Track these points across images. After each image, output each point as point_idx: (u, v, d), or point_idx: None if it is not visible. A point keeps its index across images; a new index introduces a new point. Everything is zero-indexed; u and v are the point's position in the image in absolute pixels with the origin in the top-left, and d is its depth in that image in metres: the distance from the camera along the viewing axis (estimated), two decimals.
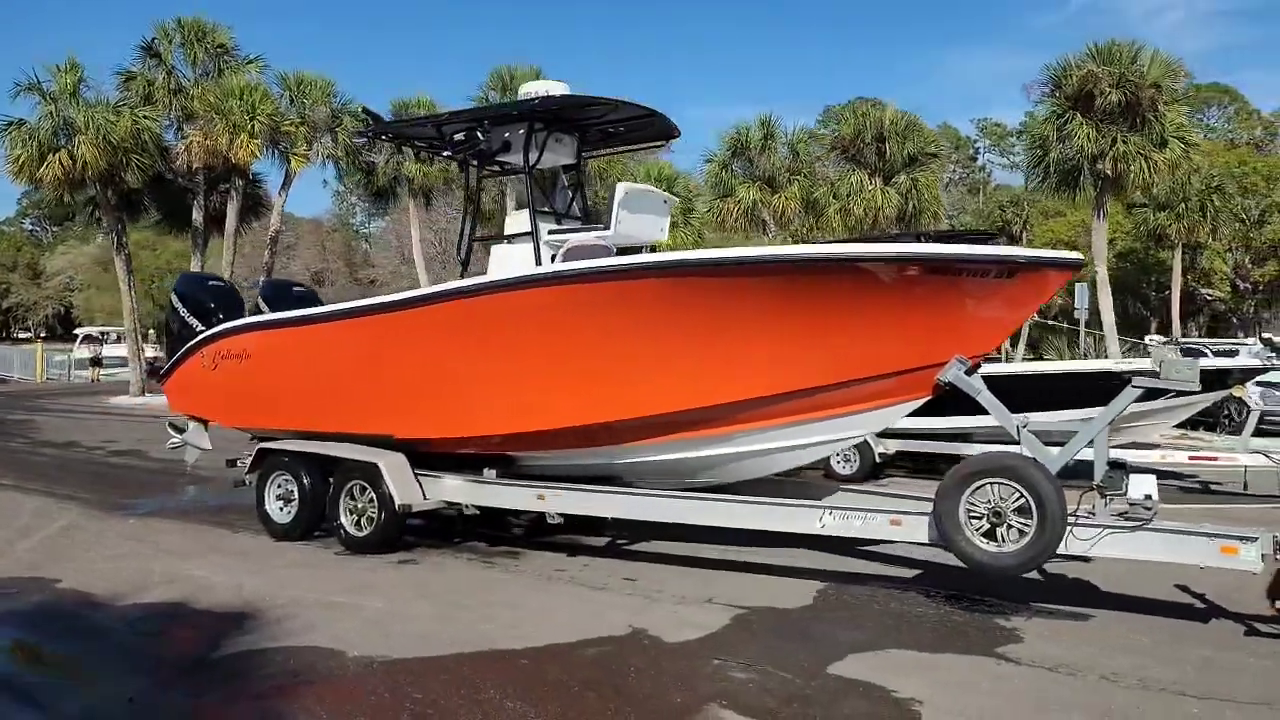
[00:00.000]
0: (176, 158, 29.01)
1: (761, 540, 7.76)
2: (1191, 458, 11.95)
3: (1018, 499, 6.09)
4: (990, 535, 6.20)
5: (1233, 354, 17.56)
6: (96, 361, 49.31)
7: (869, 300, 6.51)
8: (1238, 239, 41.08)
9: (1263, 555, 5.76)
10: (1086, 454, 6.42)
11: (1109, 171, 21.41)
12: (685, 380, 7.11)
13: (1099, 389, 8.79)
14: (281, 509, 8.88)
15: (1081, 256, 6.58)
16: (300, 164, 29.83)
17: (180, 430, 10.81)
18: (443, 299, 7.85)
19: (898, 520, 6.69)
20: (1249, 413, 12.12)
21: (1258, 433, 12.28)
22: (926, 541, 6.63)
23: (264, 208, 34.79)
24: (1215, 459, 11.92)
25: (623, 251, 8.29)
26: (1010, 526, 6.13)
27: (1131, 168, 21.15)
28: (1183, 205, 34.01)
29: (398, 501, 8.04)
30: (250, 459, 9.25)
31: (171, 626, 6.24)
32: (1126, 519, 6.18)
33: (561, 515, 7.90)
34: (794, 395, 6.98)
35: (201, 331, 9.96)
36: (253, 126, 27.36)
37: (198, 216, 31.64)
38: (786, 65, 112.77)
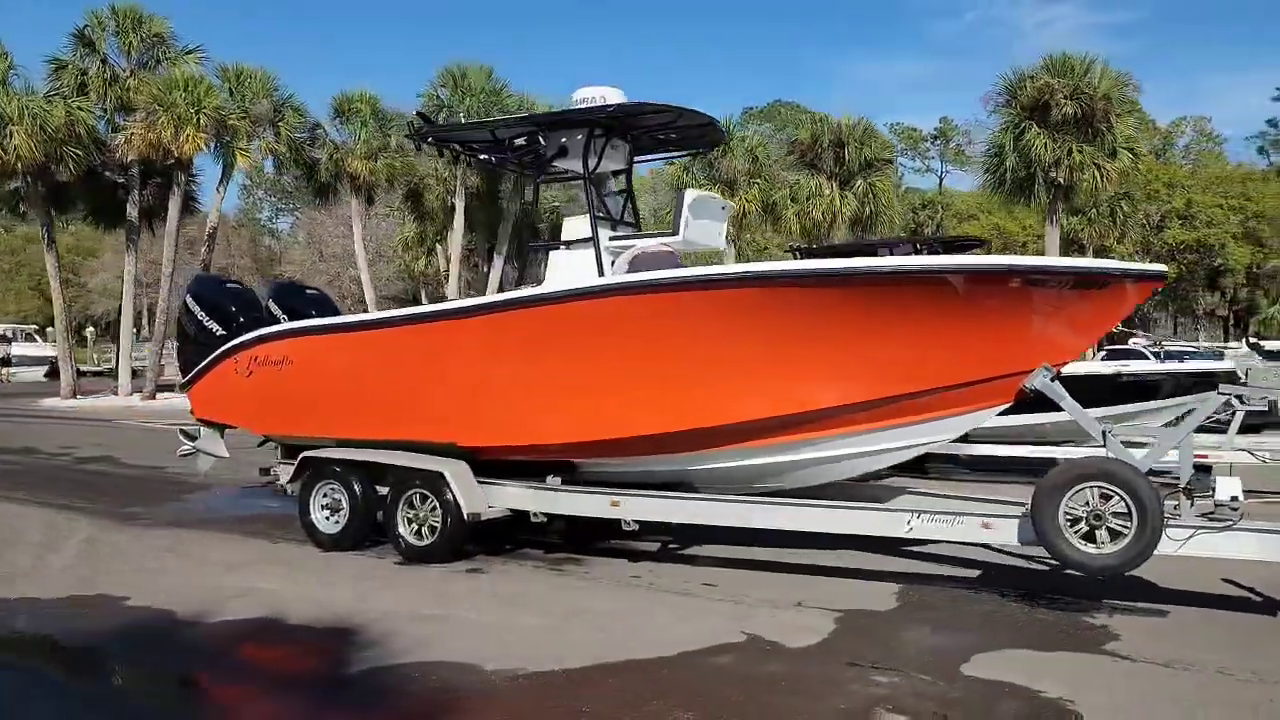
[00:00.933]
0: (116, 149, 27.87)
1: (792, 541, 7.94)
2: None
3: (1118, 502, 6.31)
4: (1088, 538, 6.41)
5: (1219, 356, 18.38)
6: (5, 361, 47.07)
7: (965, 310, 6.66)
8: (1139, 243, 43.15)
9: None
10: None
11: (1063, 180, 22.23)
12: (777, 387, 7.16)
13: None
14: (328, 519, 8.65)
15: (1166, 269, 6.85)
16: (245, 160, 28.96)
17: (192, 438, 10.46)
18: (522, 305, 7.74)
19: (989, 524, 6.86)
20: (1235, 412, 12.69)
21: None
22: (1017, 544, 6.82)
23: (194, 202, 33.65)
24: (1206, 456, 12.47)
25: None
26: (1108, 529, 6.34)
27: (1084, 176, 21.99)
28: (1094, 211, 35.39)
29: (466, 510, 7.91)
30: (292, 468, 9.02)
31: (280, 643, 6.03)
32: (1212, 519, 6.46)
33: (637, 522, 7.84)
34: (884, 402, 7.09)
35: (224, 336, 9.66)
36: (199, 120, 26.44)
37: (132, 211, 30.47)
38: (699, 65, 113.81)
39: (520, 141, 8.42)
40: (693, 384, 7.34)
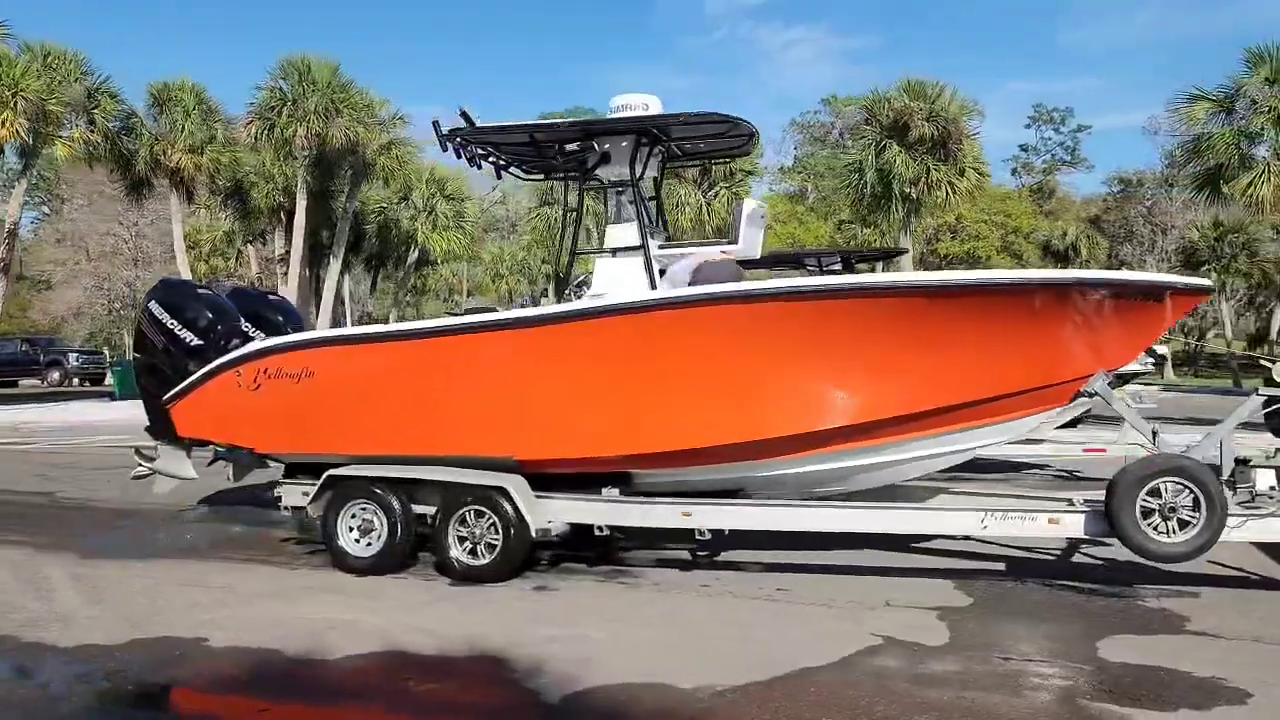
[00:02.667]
0: None
1: (796, 543, 8.31)
2: (1086, 449, 13.71)
3: (1187, 495, 6.93)
4: (1159, 529, 7.00)
5: None
6: None
7: (1039, 319, 7.12)
8: (915, 257, 47.31)
9: None
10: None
11: (918, 196, 23.87)
12: (853, 395, 7.38)
13: None
14: (357, 541, 8.09)
15: (1211, 283, 7.60)
16: (68, 150, 26.25)
17: (149, 459, 9.52)
18: (593, 316, 7.55)
19: (1055, 519, 7.35)
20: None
21: None
22: (1084, 536, 7.34)
23: None
24: (1105, 450, 13.78)
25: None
26: (1179, 520, 6.96)
27: (939, 193, 23.70)
28: (886, 224, 38.04)
29: (534, 527, 7.64)
30: (298, 488, 8.40)
31: (438, 677, 5.60)
32: (1249, 506, 7.22)
33: (710, 531, 7.80)
34: (955, 408, 7.45)
35: (199, 346, 8.88)
36: (16, 103, 23.73)
37: None
38: (472, 81, 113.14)
39: (573, 147, 8.22)
40: (770, 394, 7.44)
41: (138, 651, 5.92)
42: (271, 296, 10.93)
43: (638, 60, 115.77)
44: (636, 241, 8.25)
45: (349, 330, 8.42)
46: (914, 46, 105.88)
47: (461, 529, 7.80)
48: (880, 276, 7.79)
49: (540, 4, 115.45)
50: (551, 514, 7.82)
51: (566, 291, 8.65)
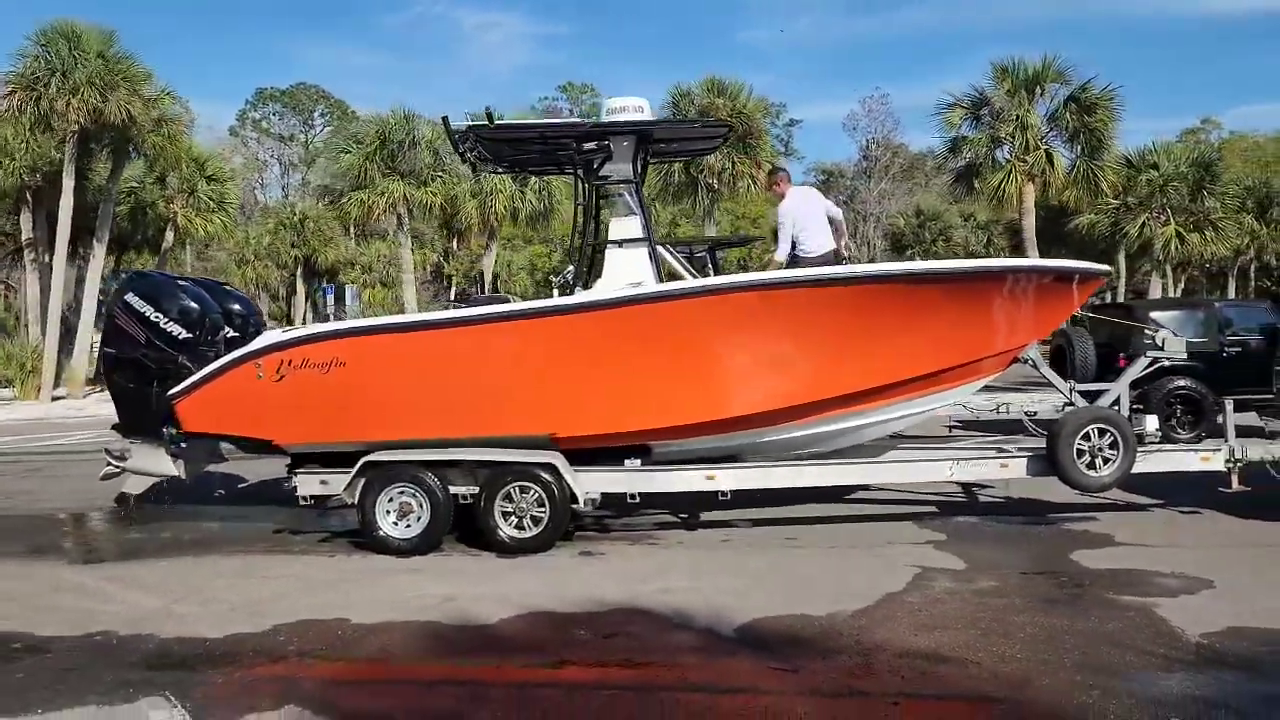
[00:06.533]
0: None
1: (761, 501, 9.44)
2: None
3: (1110, 438, 8.75)
4: (1090, 466, 8.78)
5: None
6: None
7: (1003, 299, 8.68)
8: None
9: (1225, 460, 9.10)
10: None
11: (719, 186, 25.75)
12: (850, 369, 8.61)
13: None
14: (396, 524, 8.35)
15: (1110, 269, 9.49)
16: None
17: (120, 457, 9.21)
18: (640, 302, 8.26)
19: (1005, 464, 8.99)
20: None
21: None
22: (1028, 476, 9.00)
23: None
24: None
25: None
26: (1103, 458, 8.76)
27: (741, 184, 25.69)
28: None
29: (582, 498, 8.29)
30: (313, 478, 8.55)
31: (611, 630, 6.15)
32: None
33: (729, 492, 8.75)
34: (926, 376, 8.87)
35: (189, 340, 8.78)
36: None
37: None
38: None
39: (590, 146, 8.83)
40: (784, 369, 8.51)
41: (300, 633, 6.09)
42: (228, 287, 10.62)
43: (333, 33, 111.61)
44: (641, 234, 9.03)
45: (380, 320, 8.55)
46: (605, 39, 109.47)
47: (507, 505, 8.30)
48: (871, 267, 9.08)
49: None
50: (589, 485, 8.49)
51: (575, 281, 9.23)
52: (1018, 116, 24.86)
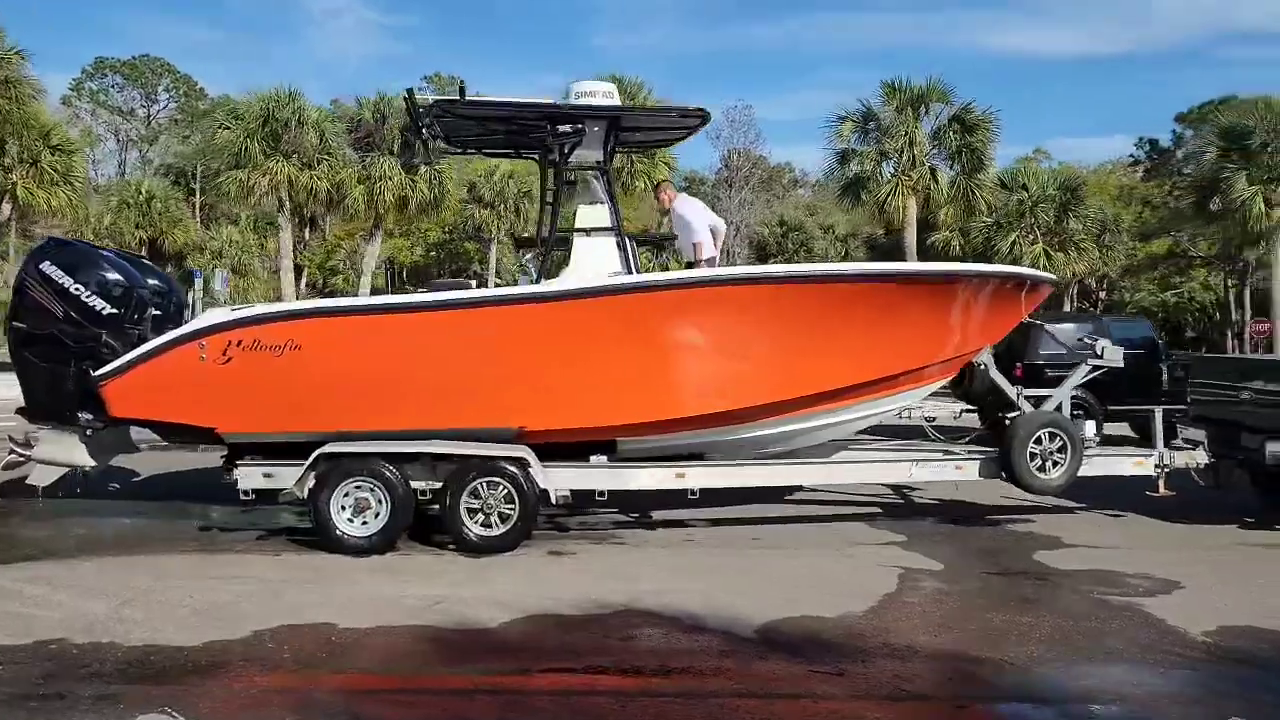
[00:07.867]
0: None
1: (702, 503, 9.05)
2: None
3: (1060, 441, 9.03)
4: (1040, 469, 9.02)
5: None
6: None
7: (961, 303, 8.84)
8: None
9: (1155, 465, 9.54)
10: None
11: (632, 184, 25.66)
12: (818, 369, 8.57)
13: None
14: (351, 521, 7.78)
15: (1056, 277, 9.82)
16: None
17: (26, 445, 8.30)
18: (615, 292, 7.97)
19: (960, 466, 9.14)
20: None
21: None
22: (979, 478, 9.17)
23: None
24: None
25: None
26: (1052, 461, 9.03)
27: (637, 184, 25.61)
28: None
29: (554, 495, 7.93)
30: (262, 469, 7.89)
31: (636, 631, 5.88)
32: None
33: (698, 490, 8.55)
34: (888, 379, 8.94)
35: (115, 315, 7.99)
36: None
37: None
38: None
39: (565, 129, 8.47)
40: (756, 366, 8.39)
41: (295, 641, 5.53)
42: (146, 261, 9.67)
43: (175, 6, 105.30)
44: (609, 223, 8.74)
45: (341, 301, 7.92)
46: (459, 29, 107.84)
47: (473, 501, 7.85)
48: (838, 266, 9.10)
49: None
50: (558, 482, 8.14)
51: (541, 269, 8.85)
52: (906, 132, 25.70)
